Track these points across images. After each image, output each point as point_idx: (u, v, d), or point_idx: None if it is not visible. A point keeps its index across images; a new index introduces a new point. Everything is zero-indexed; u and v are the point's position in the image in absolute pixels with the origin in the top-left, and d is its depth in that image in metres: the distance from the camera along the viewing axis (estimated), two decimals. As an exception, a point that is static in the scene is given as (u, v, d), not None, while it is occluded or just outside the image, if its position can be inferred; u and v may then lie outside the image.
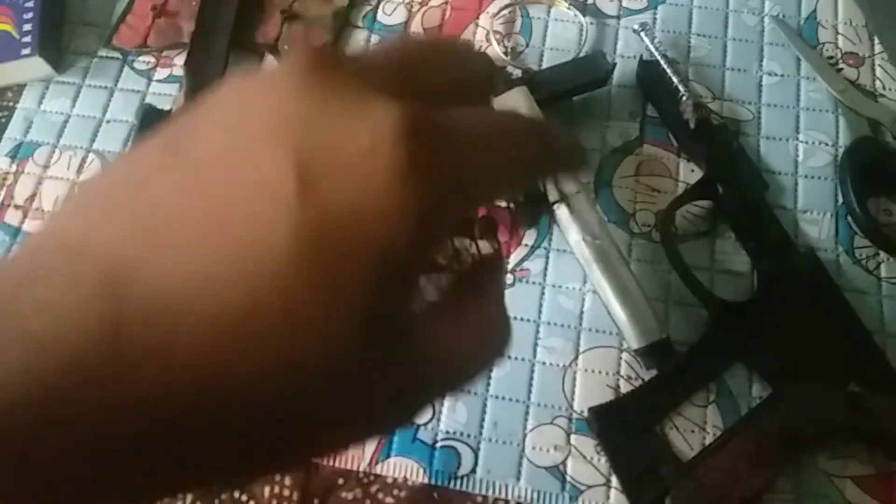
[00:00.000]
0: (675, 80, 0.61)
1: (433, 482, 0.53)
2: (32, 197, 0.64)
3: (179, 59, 0.69)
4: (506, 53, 0.66)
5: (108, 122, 0.67)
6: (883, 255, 0.57)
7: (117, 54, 0.70)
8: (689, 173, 0.61)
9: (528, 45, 0.67)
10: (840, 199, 0.59)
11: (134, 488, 0.21)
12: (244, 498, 0.53)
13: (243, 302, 0.19)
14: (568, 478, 0.52)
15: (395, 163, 0.20)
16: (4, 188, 0.65)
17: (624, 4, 0.68)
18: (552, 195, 0.56)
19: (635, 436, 0.52)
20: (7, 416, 0.18)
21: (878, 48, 0.65)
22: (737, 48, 0.65)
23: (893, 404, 0.51)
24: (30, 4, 0.69)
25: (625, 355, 0.55)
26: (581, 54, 0.66)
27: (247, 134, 0.21)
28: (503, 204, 0.59)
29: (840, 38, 0.65)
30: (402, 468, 0.53)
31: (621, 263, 0.55)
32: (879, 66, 0.64)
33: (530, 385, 0.55)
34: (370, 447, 0.54)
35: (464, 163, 0.22)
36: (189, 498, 0.54)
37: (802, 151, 0.61)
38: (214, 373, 0.19)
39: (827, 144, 0.61)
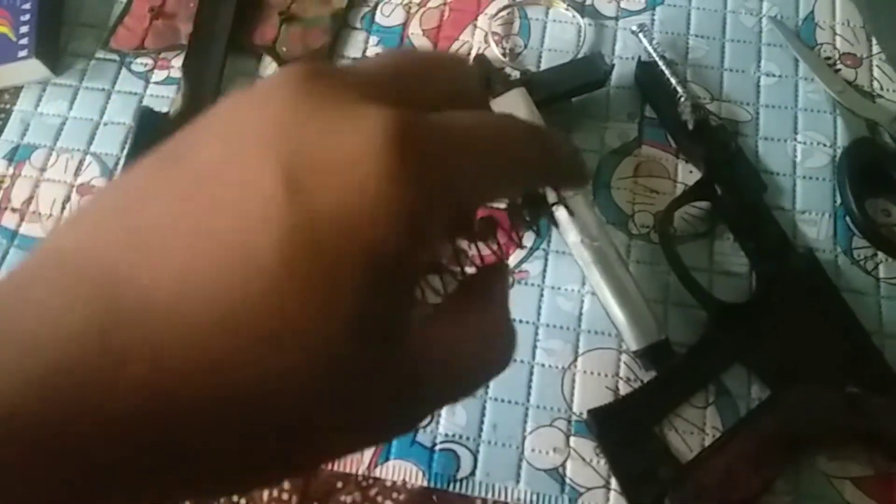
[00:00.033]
0: (673, 81, 0.61)
1: (432, 485, 0.53)
2: (29, 200, 0.64)
3: (177, 61, 0.69)
4: (504, 55, 0.66)
5: (105, 124, 0.67)
6: (881, 255, 0.57)
7: (115, 56, 0.70)
8: (688, 174, 0.61)
9: (526, 47, 0.67)
10: (838, 200, 0.59)
11: (132, 493, 0.21)
12: (242, 502, 0.53)
13: (232, 305, 0.20)
14: (567, 480, 0.52)
15: (384, 166, 0.20)
16: (1, 191, 0.65)
17: (622, 5, 0.68)
18: (551, 197, 0.56)
19: (634, 437, 0.52)
20: (7, 425, 0.18)
21: (875, 49, 0.65)
22: (735, 49, 0.65)
23: (892, 405, 0.51)
24: (27, 6, 0.69)
25: (624, 357, 0.55)
26: (579, 55, 0.66)
27: (241, 143, 0.21)
28: (502, 206, 0.59)
29: (838, 38, 0.65)
30: (401, 471, 0.53)
31: (620, 265, 0.55)
32: (877, 66, 0.64)
33: (529, 387, 0.55)
34: (369, 450, 0.54)
35: (456, 164, 0.22)
36: None
37: (801, 152, 0.61)
38: (207, 376, 0.19)
39: (825, 145, 0.61)
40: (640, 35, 0.64)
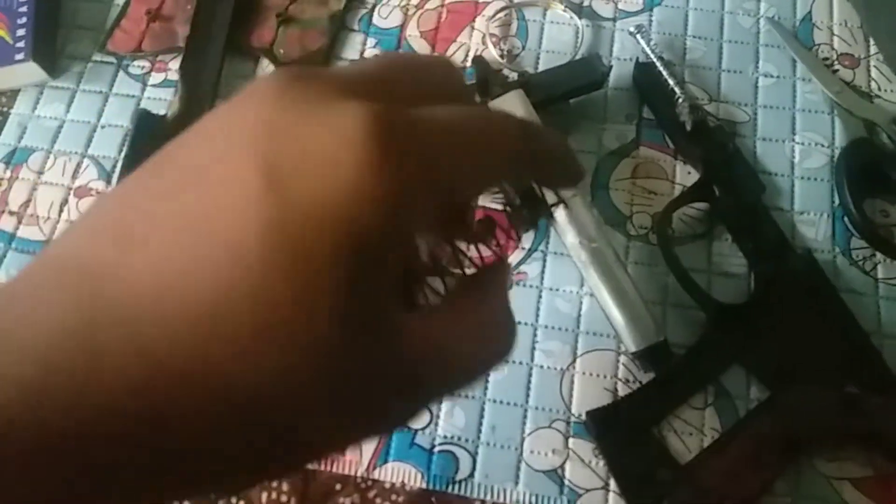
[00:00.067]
0: (671, 82, 0.61)
1: (431, 487, 0.53)
2: (27, 203, 0.64)
3: (174, 64, 0.69)
4: (502, 56, 0.66)
5: (102, 127, 0.67)
6: (879, 256, 0.57)
7: (112, 59, 0.70)
8: (686, 175, 0.61)
9: (524, 48, 0.67)
10: (836, 201, 0.59)
11: (131, 493, 0.21)
12: (242, 504, 0.53)
13: (213, 295, 0.20)
14: (566, 481, 0.52)
15: (362, 156, 0.21)
16: (-1, 194, 0.65)
17: (620, 7, 0.68)
18: (550, 198, 0.56)
19: (633, 439, 0.52)
20: (7, 428, 0.18)
21: (873, 49, 0.65)
22: (732, 50, 0.65)
23: (891, 405, 0.51)
24: (24, 9, 0.69)
25: (622, 358, 0.55)
26: (577, 57, 0.66)
27: (224, 143, 0.22)
28: (500, 207, 0.59)
29: (835, 39, 0.66)
30: (399, 473, 0.53)
31: (618, 266, 0.55)
32: (875, 67, 0.64)
33: (528, 389, 0.55)
34: (368, 452, 0.53)
35: (437, 154, 0.23)
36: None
37: (799, 153, 0.61)
38: (191, 369, 0.20)
39: (823, 146, 0.61)
40: (638, 36, 0.64)
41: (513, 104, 0.58)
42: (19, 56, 0.67)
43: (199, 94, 0.66)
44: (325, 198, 0.20)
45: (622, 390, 0.54)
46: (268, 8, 0.71)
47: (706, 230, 0.59)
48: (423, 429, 0.54)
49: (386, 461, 0.53)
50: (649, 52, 0.63)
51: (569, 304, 0.57)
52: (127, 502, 0.21)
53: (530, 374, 0.55)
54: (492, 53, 0.66)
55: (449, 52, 0.67)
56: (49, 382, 0.19)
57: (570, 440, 0.53)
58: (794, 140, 0.61)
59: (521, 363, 0.55)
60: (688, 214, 0.59)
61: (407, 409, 0.26)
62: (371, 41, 0.69)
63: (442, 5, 0.70)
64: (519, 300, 0.57)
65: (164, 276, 0.20)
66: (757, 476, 0.50)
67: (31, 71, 0.68)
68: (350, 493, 0.53)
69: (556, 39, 0.67)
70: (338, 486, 0.53)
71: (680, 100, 0.60)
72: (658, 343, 0.53)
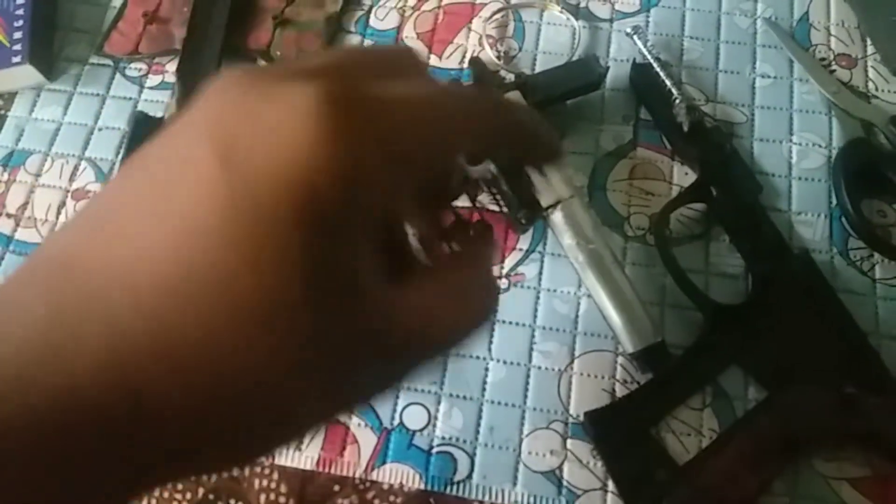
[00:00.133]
0: (668, 83, 0.61)
1: (429, 488, 0.53)
2: (24, 205, 0.64)
3: (171, 66, 0.69)
4: (499, 58, 0.66)
5: (100, 129, 0.67)
6: (877, 256, 0.57)
7: (109, 61, 0.70)
8: (683, 176, 0.61)
9: (520, 49, 0.67)
10: (834, 201, 0.59)
11: (115, 477, 0.21)
12: (239, 506, 0.53)
13: (176, 270, 0.21)
14: (564, 482, 0.52)
15: (313, 128, 0.21)
16: (-4, 197, 0.65)
17: (616, 8, 0.68)
18: (546, 199, 0.55)
19: (631, 440, 0.52)
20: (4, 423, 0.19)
21: (870, 49, 0.65)
22: (730, 51, 0.65)
23: (889, 406, 0.51)
24: (20, 12, 0.69)
25: (620, 359, 0.55)
26: (574, 58, 0.66)
27: (182, 135, 0.23)
28: (497, 208, 0.59)
29: (832, 39, 0.66)
30: (398, 474, 0.53)
31: (616, 267, 0.55)
32: (872, 67, 0.64)
33: (526, 390, 0.55)
34: (366, 453, 0.53)
35: (393, 126, 0.23)
36: (184, 506, 0.54)
37: (796, 153, 0.61)
38: (160, 339, 0.21)
39: (820, 146, 0.61)
40: (635, 37, 0.64)
41: (510, 105, 0.58)
42: (16, 59, 0.67)
43: (195, 97, 0.66)
44: (278, 169, 0.21)
45: (620, 391, 0.54)
46: (264, 10, 0.71)
47: (704, 231, 0.59)
48: (422, 430, 0.54)
49: (384, 462, 0.53)
50: (646, 53, 0.63)
51: (566, 305, 0.57)
52: (116, 487, 0.22)
53: (528, 376, 0.55)
54: (489, 55, 0.66)
55: (446, 54, 0.67)
56: (29, 369, 0.20)
57: (569, 441, 0.53)
58: (791, 140, 0.61)
59: (518, 364, 0.55)
60: (685, 215, 0.59)
61: (389, 375, 0.26)
62: (368, 43, 0.69)
63: (439, 7, 0.70)
64: (516, 301, 0.57)
65: (131, 258, 0.21)
66: (755, 476, 0.50)
67: (28, 74, 0.68)
68: (348, 495, 0.53)
69: (552, 41, 0.67)
70: (336, 488, 0.53)
71: (677, 101, 0.60)
72: (656, 344, 0.53)
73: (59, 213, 0.63)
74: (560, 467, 0.52)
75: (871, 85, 0.63)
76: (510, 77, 0.64)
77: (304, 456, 0.54)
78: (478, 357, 0.56)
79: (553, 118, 0.62)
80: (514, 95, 0.59)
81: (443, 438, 0.54)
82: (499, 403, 0.54)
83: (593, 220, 0.56)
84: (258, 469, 0.54)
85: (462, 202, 0.59)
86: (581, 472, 0.52)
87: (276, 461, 0.54)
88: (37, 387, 0.20)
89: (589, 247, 0.55)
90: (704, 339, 0.55)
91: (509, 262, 0.59)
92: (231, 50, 0.69)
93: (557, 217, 0.56)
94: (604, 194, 0.61)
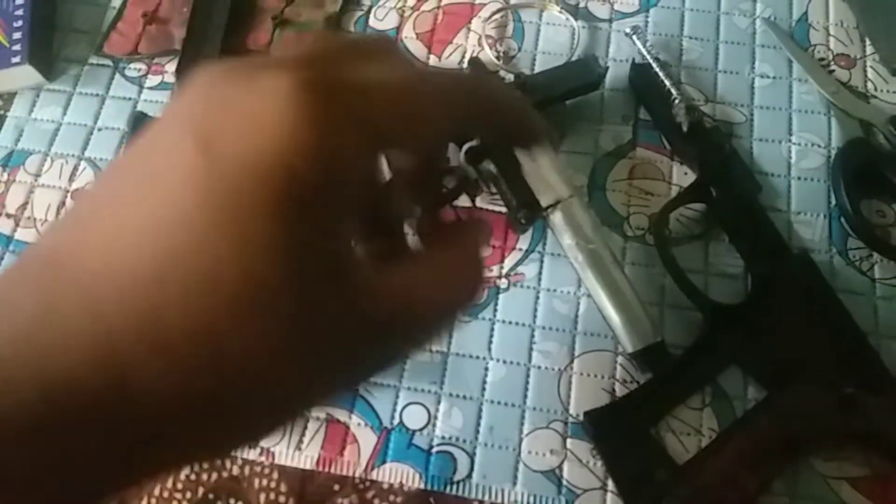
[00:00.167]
0: (667, 83, 0.61)
1: (429, 488, 0.53)
2: (24, 205, 0.64)
3: (171, 66, 0.69)
4: (498, 58, 0.66)
5: (99, 129, 0.67)
6: (876, 256, 0.57)
7: (108, 62, 0.70)
8: (683, 176, 0.61)
9: (520, 50, 0.67)
10: (833, 201, 0.59)
11: (108, 468, 0.22)
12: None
13: (159, 256, 0.21)
14: (564, 482, 0.52)
15: (288, 112, 0.22)
16: (-4, 196, 0.65)
17: (616, 8, 0.68)
18: (546, 199, 0.56)
19: (631, 439, 0.52)
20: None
21: (869, 49, 0.65)
22: (729, 51, 0.66)
23: (888, 405, 0.51)
24: (20, 12, 0.69)
25: (620, 359, 0.55)
26: (573, 58, 0.66)
27: (162, 128, 0.24)
28: (497, 208, 0.59)
29: (832, 39, 0.66)
30: (398, 474, 0.53)
31: (615, 267, 0.55)
32: (871, 67, 0.64)
33: (526, 389, 0.55)
34: (366, 453, 0.54)
35: (370, 106, 0.24)
36: (184, 506, 0.54)
37: (795, 153, 0.61)
38: (144, 326, 0.21)
39: (819, 146, 0.61)
40: (634, 37, 0.64)
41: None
42: (16, 59, 0.67)
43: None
44: (257, 155, 0.21)
45: (620, 391, 0.54)
46: (263, 10, 0.71)
47: (703, 231, 0.59)
48: (422, 430, 0.54)
49: (384, 462, 0.53)
50: (645, 53, 0.63)
51: (566, 304, 0.57)
52: (110, 475, 0.22)
53: (528, 375, 0.55)
54: (488, 55, 0.66)
55: (445, 54, 0.67)
56: (19, 364, 0.20)
57: (568, 440, 0.53)
58: (790, 141, 0.62)
59: (518, 364, 0.55)
60: (685, 215, 0.59)
61: (378, 356, 0.26)
62: (367, 43, 0.69)
63: (438, 7, 0.70)
64: (516, 301, 0.58)
65: (117, 250, 0.21)
66: (755, 476, 0.50)
67: (27, 74, 0.68)
68: (348, 494, 0.53)
69: (552, 41, 0.67)
70: (336, 487, 0.53)
71: (676, 101, 0.60)
72: (655, 344, 0.53)
73: (58, 213, 0.63)
74: (560, 467, 0.52)
75: (870, 85, 0.63)
76: (509, 77, 0.64)
77: (303, 455, 0.54)
78: (477, 357, 0.56)
79: (552, 118, 0.62)
80: (514, 95, 0.59)
81: (443, 438, 0.54)
82: (498, 403, 0.54)
83: (593, 220, 0.57)
84: (258, 468, 0.54)
85: (462, 202, 0.60)
86: (581, 472, 0.52)
87: (276, 461, 0.54)
88: (27, 382, 0.20)
89: (588, 247, 0.55)
90: (704, 339, 0.54)
91: (509, 262, 0.59)
92: (230, 50, 0.69)
93: (557, 217, 0.56)
94: (603, 194, 0.61)
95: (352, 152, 0.23)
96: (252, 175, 0.21)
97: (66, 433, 0.20)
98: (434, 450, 0.53)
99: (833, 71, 0.64)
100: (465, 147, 0.56)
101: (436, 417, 0.54)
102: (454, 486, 0.52)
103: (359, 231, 0.32)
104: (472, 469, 0.53)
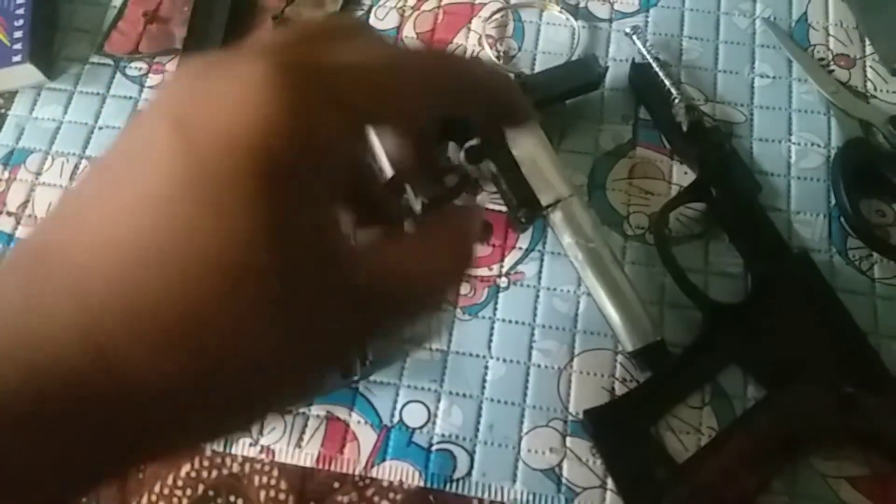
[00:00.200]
0: (667, 82, 0.61)
1: (429, 485, 0.53)
2: (25, 204, 0.64)
3: (171, 65, 0.69)
4: (498, 57, 0.66)
5: (100, 128, 0.67)
6: (876, 255, 0.57)
7: (109, 61, 0.70)
8: (683, 176, 0.61)
9: (520, 49, 0.67)
10: (833, 201, 0.59)
11: (102, 454, 0.22)
12: (240, 502, 0.53)
13: (140, 237, 0.21)
14: (563, 480, 0.52)
15: (263, 91, 0.22)
16: (-3, 195, 0.65)
17: (616, 8, 0.68)
18: (546, 198, 0.56)
19: (631, 438, 0.52)
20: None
21: (869, 49, 0.65)
22: (728, 51, 0.66)
23: (888, 405, 0.51)
24: (21, 11, 0.69)
25: (619, 358, 0.55)
26: (573, 58, 0.66)
27: (144, 119, 0.24)
28: (498, 208, 0.59)
29: (831, 39, 0.66)
30: (397, 471, 0.53)
31: (615, 266, 0.55)
32: (871, 67, 0.64)
33: (525, 388, 0.55)
34: (366, 451, 0.54)
35: (345, 83, 0.24)
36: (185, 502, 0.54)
37: (795, 153, 0.61)
38: (129, 306, 0.21)
39: (819, 146, 0.61)
40: (634, 37, 0.64)
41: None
42: (16, 58, 0.67)
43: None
44: (231, 134, 0.21)
45: (619, 389, 0.54)
46: (264, 10, 0.71)
47: (703, 230, 0.59)
48: (421, 427, 0.54)
49: (384, 460, 0.53)
50: (645, 52, 0.63)
51: (566, 303, 0.57)
52: (100, 458, 0.22)
53: (528, 374, 0.55)
54: (488, 55, 0.66)
55: (446, 54, 0.67)
56: (5, 351, 0.20)
57: (568, 439, 0.53)
58: (790, 140, 0.62)
59: (518, 362, 0.56)
60: (685, 214, 0.59)
61: (366, 330, 0.26)
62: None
63: (438, 7, 0.70)
64: (516, 300, 0.58)
65: (100, 235, 0.22)
66: (754, 475, 0.50)
67: (28, 73, 0.68)
68: (348, 492, 0.53)
69: (552, 41, 0.67)
70: (336, 485, 0.53)
71: (676, 100, 0.60)
72: (655, 342, 0.53)
73: (59, 211, 0.63)
74: (559, 465, 0.53)
75: (869, 85, 0.64)
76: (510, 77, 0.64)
77: (304, 453, 0.54)
78: (477, 355, 0.56)
79: (552, 118, 0.62)
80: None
81: (442, 436, 0.54)
82: (498, 401, 0.55)
83: (593, 220, 0.57)
84: (258, 466, 0.54)
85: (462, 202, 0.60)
86: (580, 470, 0.52)
87: (276, 458, 0.54)
88: (14, 370, 0.20)
89: (588, 246, 0.55)
90: (703, 338, 0.55)
91: (509, 261, 0.59)
92: (231, 50, 0.69)
93: (557, 216, 0.56)
94: (603, 193, 0.61)
95: (329, 130, 0.23)
96: (228, 154, 0.21)
97: (54, 419, 0.20)
98: (434, 448, 0.54)
99: (833, 71, 0.64)
100: (466, 146, 0.56)
101: (436, 415, 0.55)
102: (454, 484, 0.52)
103: (352, 213, 0.32)
104: (471, 467, 0.53)
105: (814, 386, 0.52)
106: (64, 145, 0.67)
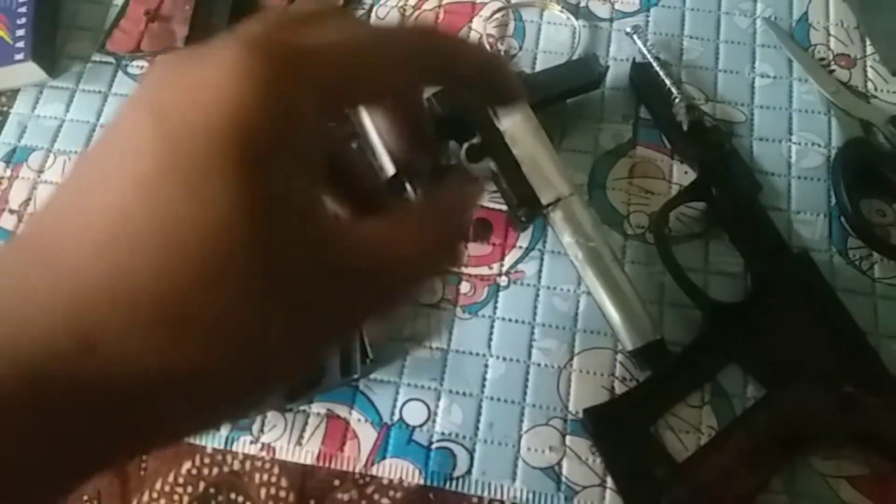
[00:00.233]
0: (667, 82, 0.61)
1: (429, 483, 0.53)
2: (27, 202, 0.65)
3: (173, 64, 0.69)
4: (499, 56, 0.67)
5: (101, 126, 0.67)
6: (876, 255, 0.57)
7: (111, 59, 0.71)
8: (683, 175, 0.61)
9: (521, 49, 0.67)
10: (833, 200, 0.59)
11: (96, 440, 0.22)
12: (240, 499, 0.53)
13: (124, 220, 0.22)
14: (563, 479, 0.52)
15: (237, 75, 0.22)
16: (-1, 193, 0.65)
17: (616, 7, 0.68)
18: (546, 197, 0.56)
19: (630, 437, 0.53)
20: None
21: (869, 49, 0.65)
22: (729, 50, 0.66)
23: (888, 405, 0.51)
24: (23, 10, 0.69)
25: (619, 356, 0.55)
26: (574, 57, 0.66)
27: (123, 115, 0.24)
28: (498, 207, 0.59)
29: (832, 39, 0.66)
30: (398, 469, 0.53)
31: (615, 265, 0.55)
32: (871, 67, 0.64)
33: (525, 386, 0.55)
34: (366, 449, 0.54)
35: (319, 61, 0.24)
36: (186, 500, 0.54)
37: (795, 153, 0.61)
38: (113, 287, 0.21)
39: (819, 146, 0.61)
40: (635, 36, 0.64)
41: (510, 104, 0.58)
42: (19, 56, 0.68)
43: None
44: (206, 115, 0.22)
45: (619, 388, 0.54)
46: (265, 8, 0.71)
47: (703, 229, 0.59)
48: (421, 426, 0.54)
49: (384, 457, 0.53)
50: (646, 52, 0.63)
51: (566, 302, 0.57)
52: (93, 445, 0.22)
53: (528, 372, 0.55)
54: (490, 54, 0.66)
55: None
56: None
57: (568, 438, 0.53)
58: (790, 140, 0.62)
59: (518, 361, 0.56)
60: (685, 214, 0.59)
61: (351, 309, 0.26)
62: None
63: (439, 6, 0.70)
64: (516, 298, 0.58)
65: (86, 222, 0.22)
66: (754, 474, 0.50)
67: (30, 71, 0.68)
68: (348, 489, 0.53)
69: (552, 40, 0.68)
70: (336, 482, 0.53)
71: (676, 100, 0.60)
72: (655, 341, 0.53)
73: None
74: (559, 464, 0.53)
75: (870, 85, 0.64)
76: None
77: (304, 451, 0.54)
78: (477, 353, 0.56)
79: (553, 117, 0.62)
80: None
81: (442, 434, 0.54)
82: (498, 400, 0.55)
83: (593, 219, 0.57)
84: (259, 463, 0.54)
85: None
86: (580, 469, 0.52)
87: (277, 456, 0.54)
88: (2, 357, 0.20)
89: (589, 245, 0.55)
90: (703, 338, 0.55)
91: (509, 260, 0.59)
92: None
93: (557, 215, 0.56)
94: (603, 193, 0.61)
95: (305, 109, 0.23)
96: (204, 136, 0.22)
97: (45, 408, 0.21)
98: (434, 446, 0.54)
99: (833, 71, 0.64)
100: (466, 145, 0.56)
101: (436, 414, 0.55)
102: (454, 482, 0.53)
103: (341, 197, 0.32)
104: (471, 465, 0.53)
105: (814, 386, 0.52)
106: (66, 143, 0.67)
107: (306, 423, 0.55)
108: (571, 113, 0.63)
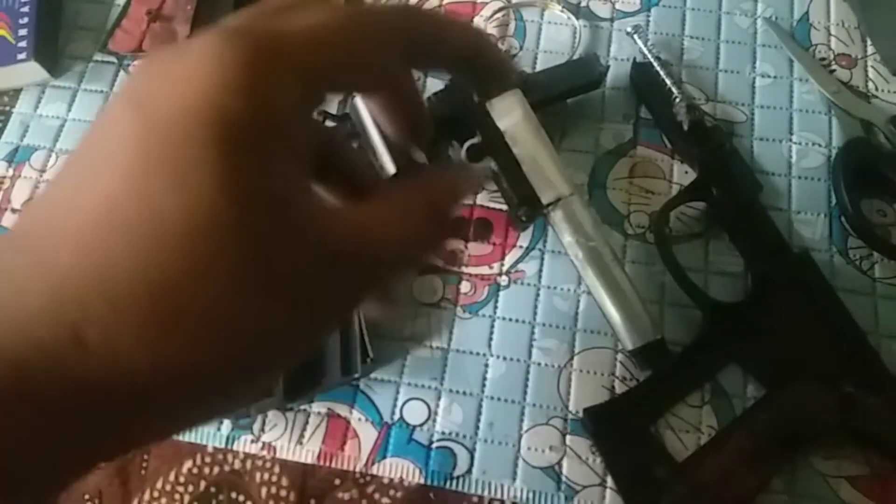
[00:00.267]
0: (668, 82, 0.61)
1: (429, 483, 0.53)
2: (29, 201, 0.64)
3: (174, 64, 0.69)
4: (500, 56, 0.66)
5: (102, 126, 0.67)
6: (877, 255, 0.57)
7: (113, 59, 0.71)
8: (683, 175, 0.61)
9: (521, 48, 0.67)
10: (833, 200, 0.59)
11: (90, 433, 0.22)
12: (241, 498, 0.53)
13: (107, 209, 0.22)
14: (563, 478, 0.52)
15: (217, 63, 0.23)
16: (1, 192, 0.65)
17: (617, 7, 0.68)
18: (546, 197, 0.56)
19: (630, 437, 0.53)
20: None
21: (870, 49, 0.65)
22: (730, 50, 0.66)
23: (888, 405, 0.51)
24: (25, 10, 0.69)
25: (620, 356, 0.55)
26: (574, 57, 0.66)
27: (108, 109, 0.24)
28: (498, 206, 0.60)
29: (832, 39, 0.66)
30: (398, 469, 0.53)
31: (615, 265, 0.55)
32: (872, 67, 0.64)
33: (526, 386, 0.55)
34: (366, 448, 0.54)
35: (299, 45, 0.24)
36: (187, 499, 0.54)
37: (796, 153, 0.61)
38: (102, 277, 0.21)
39: (820, 146, 0.61)
40: (635, 36, 0.64)
41: (511, 105, 0.58)
42: (21, 56, 0.68)
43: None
44: (186, 102, 0.22)
45: (619, 388, 0.55)
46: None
47: (703, 229, 0.59)
48: (422, 425, 0.54)
49: (384, 457, 0.54)
50: (646, 52, 0.63)
51: (566, 302, 0.57)
52: (87, 435, 0.22)
53: (528, 372, 0.55)
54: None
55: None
56: None
57: (568, 437, 0.53)
58: (791, 140, 0.62)
59: (518, 360, 0.56)
60: (685, 213, 0.59)
61: (336, 293, 0.26)
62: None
63: (440, 6, 0.70)
64: (517, 298, 0.58)
65: (69, 213, 0.22)
66: (754, 474, 0.50)
67: (32, 70, 0.68)
68: (349, 489, 0.53)
69: (553, 40, 0.68)
70: (336, 482, 0.53)
71: (677, 100, 0.60)
72: (655, 341, 0.53)
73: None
74: (559, 463, 0.53)
75: (870, 85, 0.64)
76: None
77: (305, 450, 0.54)
78: (478, 353, 0.56)
79: (554, 117, 0.62)
80: (515, 94, 0.59)
81: (443, 433, 0.54)
82: (499, 399, 0.55)
83: (593, 218, 0.57)
84: (259, 462, 0.54)
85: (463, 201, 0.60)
86: (580, 469, 0.52)
87: (278, 455, 0.54)
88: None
89: (589, 244, 0.55)
90: (703, 337, 0.55)
91: (509, 259, 0.59)
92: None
93: (557, 215, 0.56)
94: (604, 192, 0.61)
95: (285, 93, 0.23)
96: (185, 121, 0.22)
97: (36, 402, 0.20)
98: (434, 445, 0.54)
99: (834, 70, 0.64)
100: (466, 145, 0.56)
101: (436, 413, 0.55)
102: (454, 482, 0.53)
103: (328, 181, 0.32)
104: (471, 465, 0.53)
105: (814, 385, 0.52)
106: (68, 143, 0.67)
107: (307, 423, 0.55)
108: (572, 113, 0.63)
